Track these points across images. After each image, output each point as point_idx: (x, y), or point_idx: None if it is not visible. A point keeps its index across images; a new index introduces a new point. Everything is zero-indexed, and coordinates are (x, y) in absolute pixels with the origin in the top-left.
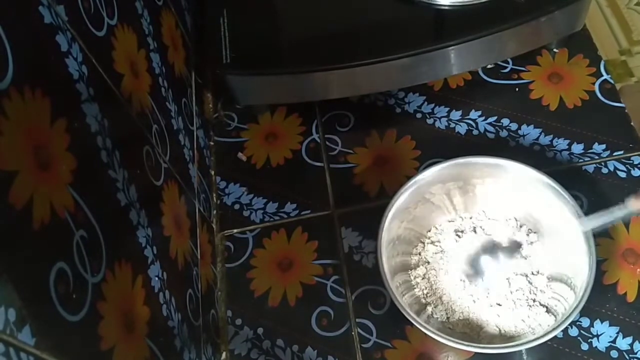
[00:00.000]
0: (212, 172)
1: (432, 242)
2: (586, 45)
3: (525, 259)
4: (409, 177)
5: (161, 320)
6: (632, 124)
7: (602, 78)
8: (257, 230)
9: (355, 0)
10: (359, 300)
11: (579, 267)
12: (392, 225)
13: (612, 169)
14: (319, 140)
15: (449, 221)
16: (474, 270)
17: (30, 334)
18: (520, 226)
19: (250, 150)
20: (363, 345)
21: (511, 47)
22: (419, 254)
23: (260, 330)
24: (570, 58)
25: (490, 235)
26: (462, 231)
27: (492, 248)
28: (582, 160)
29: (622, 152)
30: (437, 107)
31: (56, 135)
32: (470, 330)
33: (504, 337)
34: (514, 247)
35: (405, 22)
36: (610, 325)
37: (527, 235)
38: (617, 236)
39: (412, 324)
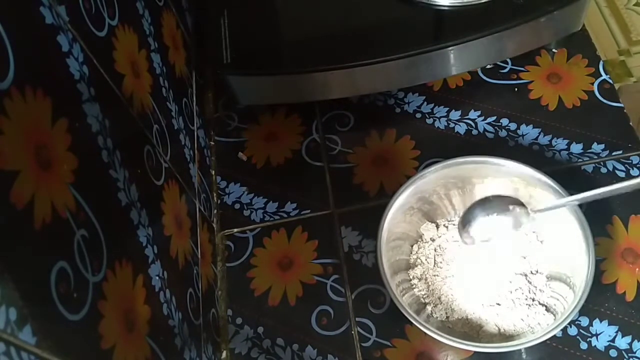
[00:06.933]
0: (213, 172)
1: (430, 242)
2: (585, 45)
3: (524, 258)
4: (408, 177)
5: (162, 319)
6: (630, 123)
7: (601, 78)
8: (257, 229)
9: (355, 1)
10: (358, 299)
11: (578, 266)
12: (391, 225)
13: (610, 168)
14: (319, 140)
15: (448, 221)
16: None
17: (31, 333)
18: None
19: (250, 150)
20: (363, 344)
21: (510, 47)
22: (418, 253)
23: (260, 329)
24: (569, 58)
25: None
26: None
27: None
28: (581, 160)
29: (621, 151)
30: (437, 107)
31: (57, 135)
32: (469, 329)
33: (503, 336)
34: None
35: (405, 22)
36: (609, 325)
37: (526, 234)
38: (616, 236)
39: (411, 323)
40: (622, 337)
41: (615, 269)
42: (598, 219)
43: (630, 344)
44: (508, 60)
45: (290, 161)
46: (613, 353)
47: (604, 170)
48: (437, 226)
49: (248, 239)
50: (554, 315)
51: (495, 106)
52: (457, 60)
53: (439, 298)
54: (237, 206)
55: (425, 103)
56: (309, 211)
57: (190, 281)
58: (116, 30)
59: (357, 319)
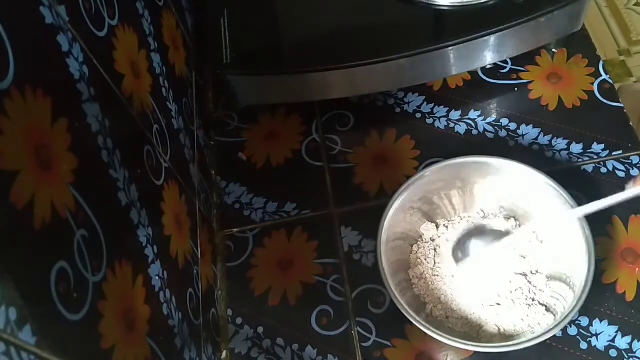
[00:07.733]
0: (213, 172)
1: (430, 242)
2: (585, 45)
3: (524, 258)
4: (408, 177)
5: (162, 319)
6: (630, 123)
7: (601, 78)
8: (257, 229)
9: (355, 0)
10: (358, 299)
11: (578, 266)
12: (391, 225)
13: (610, 168)
14: (319, 140)
15: (448, 221)
16: (461, 252)
17: (31, 333)
18: (520, 226)
19: (250, 150)
20: (363, 344)
21: (510, 47)
22: (417, 253)
23: (260, 329)
24: (569, 58)
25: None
26: (459, 230)
27: (480, 232)
28: (581, 160)
29: (620, 151)
30: (437, 107)
31: (57, 135)
32: (469, 329)
33: (504, 336)
34: (503, 233)
35: (405, 22)
36: (609, 325)
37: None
38: (616, 236)
39: (411, 323)
40: (622, 337)
41: (615, 269)
42: (598, 219)
43: (630, 344)
44: (508, 60)
45: (290, 161)
46: (613, 353)
47: (604, 170)
48: (437, 226)
49: (248, 239)
50: (554, 315)
51: (495, 106)
52: (457, 60)
53: (439, 298)
54: (237, 206)
55: (425, 103)
56: (309, 211)
57: (190, 281)
58: (116, 30)
59: (357, 319)
